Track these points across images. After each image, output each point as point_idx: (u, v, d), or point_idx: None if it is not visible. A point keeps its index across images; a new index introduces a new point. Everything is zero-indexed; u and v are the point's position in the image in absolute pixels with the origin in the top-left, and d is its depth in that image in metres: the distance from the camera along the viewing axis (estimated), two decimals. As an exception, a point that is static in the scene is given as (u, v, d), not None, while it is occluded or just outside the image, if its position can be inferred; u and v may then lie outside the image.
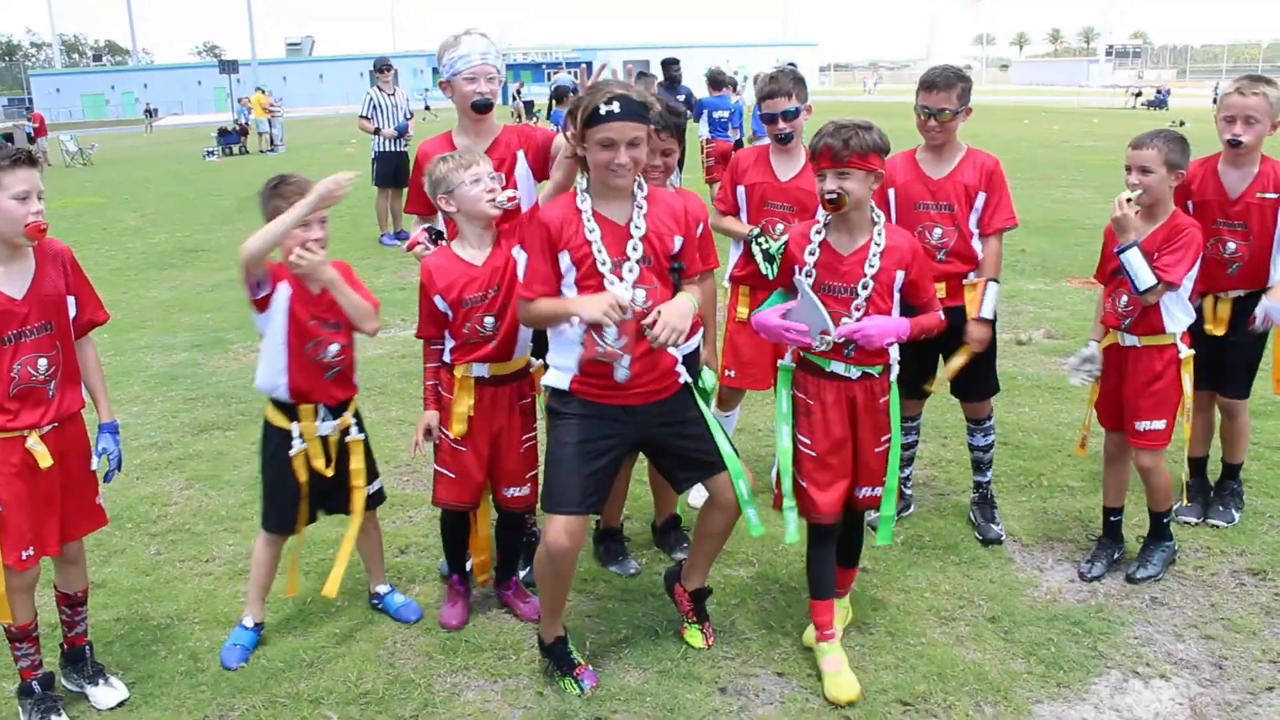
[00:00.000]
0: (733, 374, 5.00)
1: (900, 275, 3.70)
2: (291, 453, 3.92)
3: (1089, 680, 3.76)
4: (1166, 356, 4.26)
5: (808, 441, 3.78)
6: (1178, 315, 4.23)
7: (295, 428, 3.93)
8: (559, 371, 3.64)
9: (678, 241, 3.62)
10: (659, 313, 3.41)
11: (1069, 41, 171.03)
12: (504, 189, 3.91)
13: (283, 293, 3.83)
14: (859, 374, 3.72)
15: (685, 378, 3.74)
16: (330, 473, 4.01)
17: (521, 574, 4.49)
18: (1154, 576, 4.42)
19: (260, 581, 4.16)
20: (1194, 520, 4.92)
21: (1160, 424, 4.28)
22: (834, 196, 3.56)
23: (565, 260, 3.52)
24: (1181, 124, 30.75)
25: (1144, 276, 4.05)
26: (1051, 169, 19.99)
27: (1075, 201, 15.56)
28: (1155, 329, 4.23)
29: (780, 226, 4.62)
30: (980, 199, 4.58)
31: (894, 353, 3.78)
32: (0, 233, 3.31)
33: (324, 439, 3.98)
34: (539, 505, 3.72)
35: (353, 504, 4.10)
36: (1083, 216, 13.88)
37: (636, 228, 3.52)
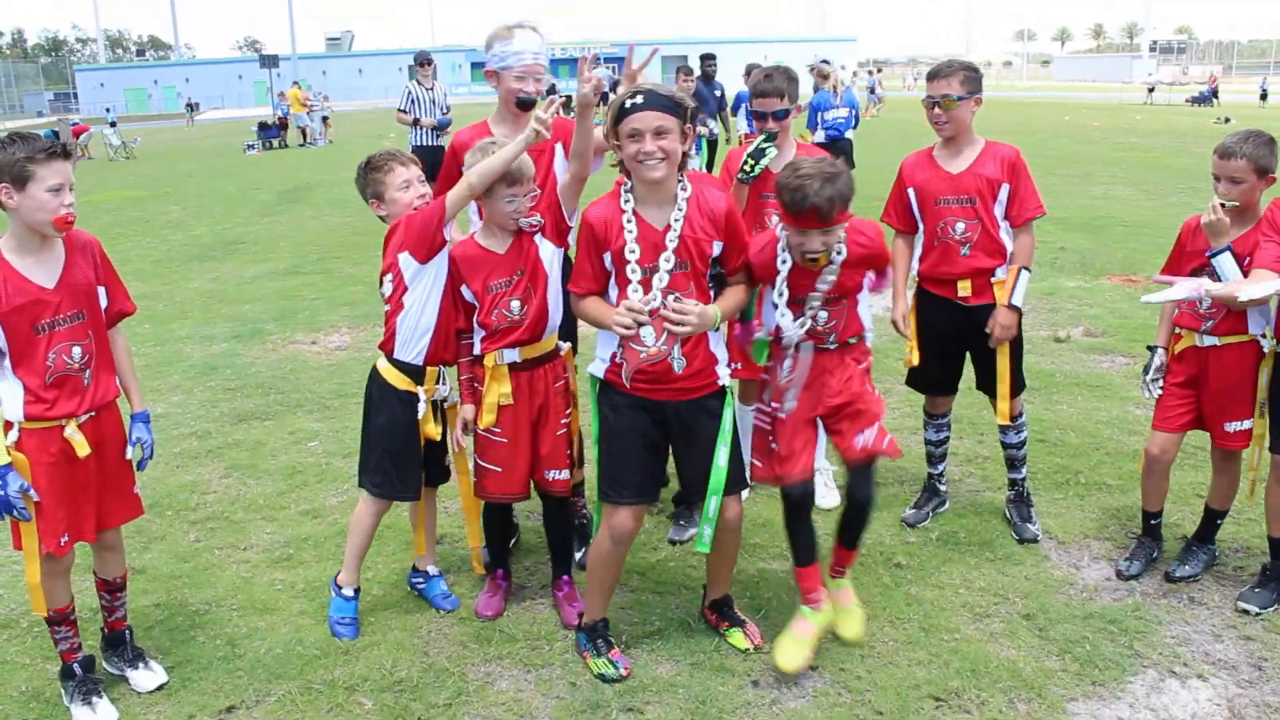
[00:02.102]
0: (738, 366, 4.98)
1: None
2: (420, 415, 4.02)
3: (1125, 679, 3.73)
4: (1251, 356, 4.17)
5: (778, 406, 3.88)
6: (1258, 317, 4.15)
7: (420, 391, 4.01)
8: (599, 361, 3.73)
9: (717, 246, 3.65)
10: (695, 305, 3.51)
11: (1112, 37, 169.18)
12: (534, 210, 3.95)
13: (446, 251, 3.94)
14: (836, 347, 3.84)
15: (725, 380, 3.75)
16: (438, 437, 4.12)
17: (578, 555, 4.57)
18: (1193, 576, 4.38)
19: (361, 549, 4.25)
20: None
21: (1249, 423, 4.22)
22: (815, 257, 3.63)
23: (608, 260, 3.61)
24: (1227, 120, 30.47)
25: (1180, 294, 3.97)
26: (1093, 165, 19.78)
27: (1116, 198, 15.39)
28: (1237, 329, 4.14)
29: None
30: (1004, 191, 4.57)
31: (867, 320, 3.89)
32: (32, 223, 3.35)
33: (433, 404, 4.08)
34: (598, 495, 3.78)
35: (460, 465, 4.25)
36: (1123, 213, 13.73)
37: (673, 235, 3.56)
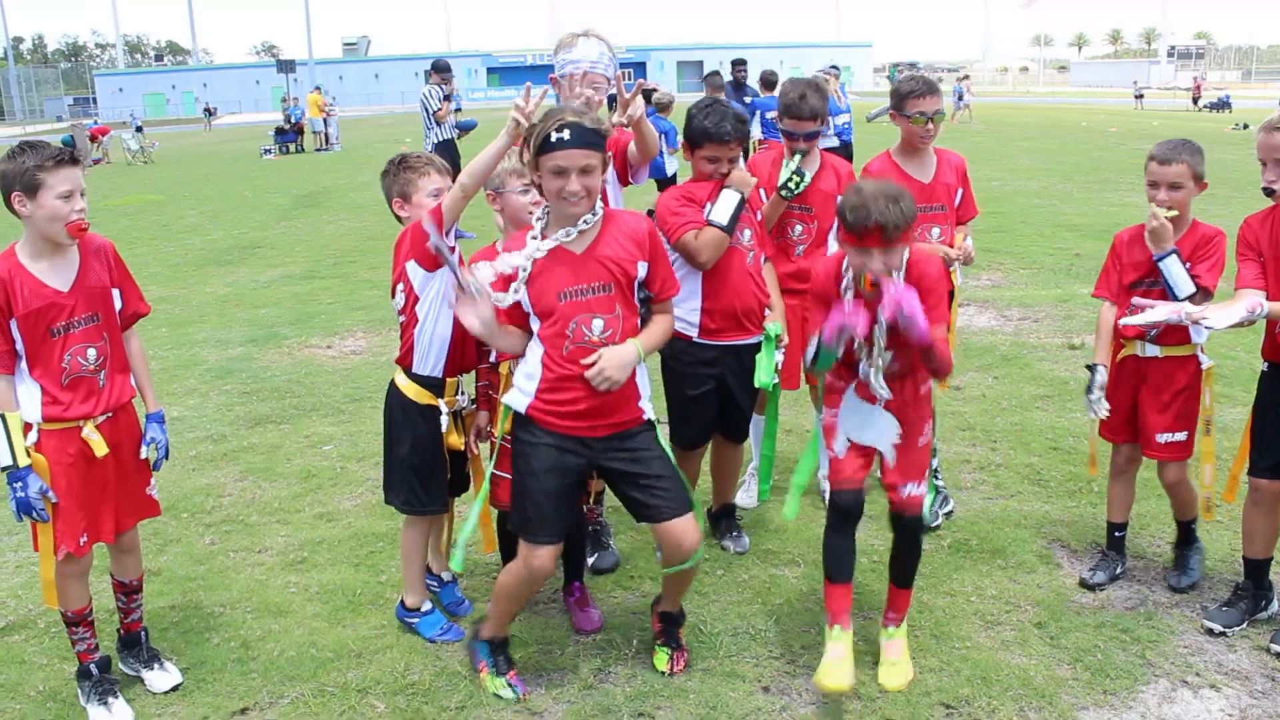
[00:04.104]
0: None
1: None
2: (444, 428, 3.99)
3: (1136, 688, 3.72)
4: (1190, 368, 4.20)
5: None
6: (1202, 329, 4.14)
7: (441, 404, 3.99)
8: (520, 394, 3.60)
9: (642, 267, 3.57)
10: (600, 356, 3.43)
11: (1129, 43, 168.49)
12: None
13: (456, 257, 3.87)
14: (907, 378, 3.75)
15: (649, 414, 3.66)
16: (462, 447, 4.10)
17: (591, 560, 4.59)
18: (1196, 582, 4.39)
19: (420, 569, 4.23)
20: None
21: (1183, 435, 4.23)
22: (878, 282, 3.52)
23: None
24: (1245, 126, 30.31)
25: (1184, 285, 3.97)
26: (1109, 172, 19.72)
27: (1133, 205, 15.31)
28: (1182, 339, 4.16)
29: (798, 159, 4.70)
30: (959, 195, 4.96)
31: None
32: (44, 230, 3.41)
33: (453, 414, 4.05)
34: (517, 530, 3.67)
35: (477, 472, 4.22)
36: (1139, 221, 13.58)
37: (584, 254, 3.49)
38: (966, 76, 44.72)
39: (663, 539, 3.67)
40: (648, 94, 14.37)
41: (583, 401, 3.48)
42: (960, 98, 39.17)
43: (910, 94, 4.70)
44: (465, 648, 3.96)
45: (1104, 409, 4.23)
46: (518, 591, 3.74)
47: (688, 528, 3.60)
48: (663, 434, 3.71)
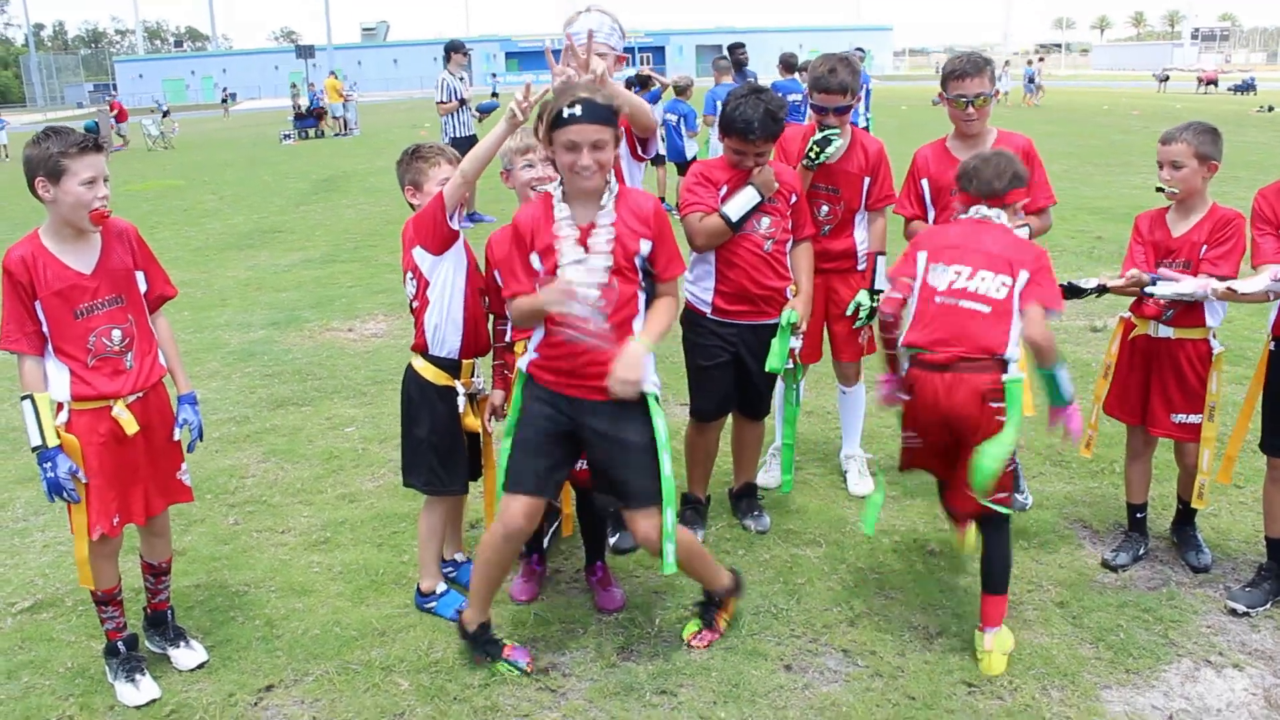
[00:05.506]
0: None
1: None
2: (461, 409, 4.02)
3: (1159, 667, 3.72)
4: (1203, 350, 4.17)
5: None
6: (1217, 308, 4.14)
7: (458, 385, 4.02)
8: (528, 354, 3.69)
9: (645, 245, 3.58)
10: (613, 370, 3.45)
11: (1153, 25, 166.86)
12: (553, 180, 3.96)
13: (461, 242, 3.92)
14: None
15: (649, 388, 3.60)
16: (479, 429, 4.12)
17: (612, 540, 4.59)
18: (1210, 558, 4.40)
19: (436, 552, 4.25)
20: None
21: (1198, 418, 4.20)
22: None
23: (535, 260, 3.54)
24: (1270, 109, 29.99)
25: (1187, 288, 3.94)
26: (1132, 155, 19.58)
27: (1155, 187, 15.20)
28: (1196, 322, 4.14)
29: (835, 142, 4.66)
30: None
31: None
32: (67, 215, 3.44)
33: (469, 396, 4.07)
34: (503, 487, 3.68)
35: (489, 456, 4.23)
36: (1162, 203, 13.49)
37: (601, 228, 3.51)
38: (1042, 58, 43.76)
39: (634, 525, 3.66)
40: (644, 81, 14.25)
41: (566, 361, 3.54)
42: (1031, 80, 38.39)
43: (951, 74, 4.57)
44: (461, 642, 3.90)
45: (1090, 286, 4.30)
46: (493, 557, 3.71)
47: (637, 522, 3.61)
48: (661, 412, 3.63)
